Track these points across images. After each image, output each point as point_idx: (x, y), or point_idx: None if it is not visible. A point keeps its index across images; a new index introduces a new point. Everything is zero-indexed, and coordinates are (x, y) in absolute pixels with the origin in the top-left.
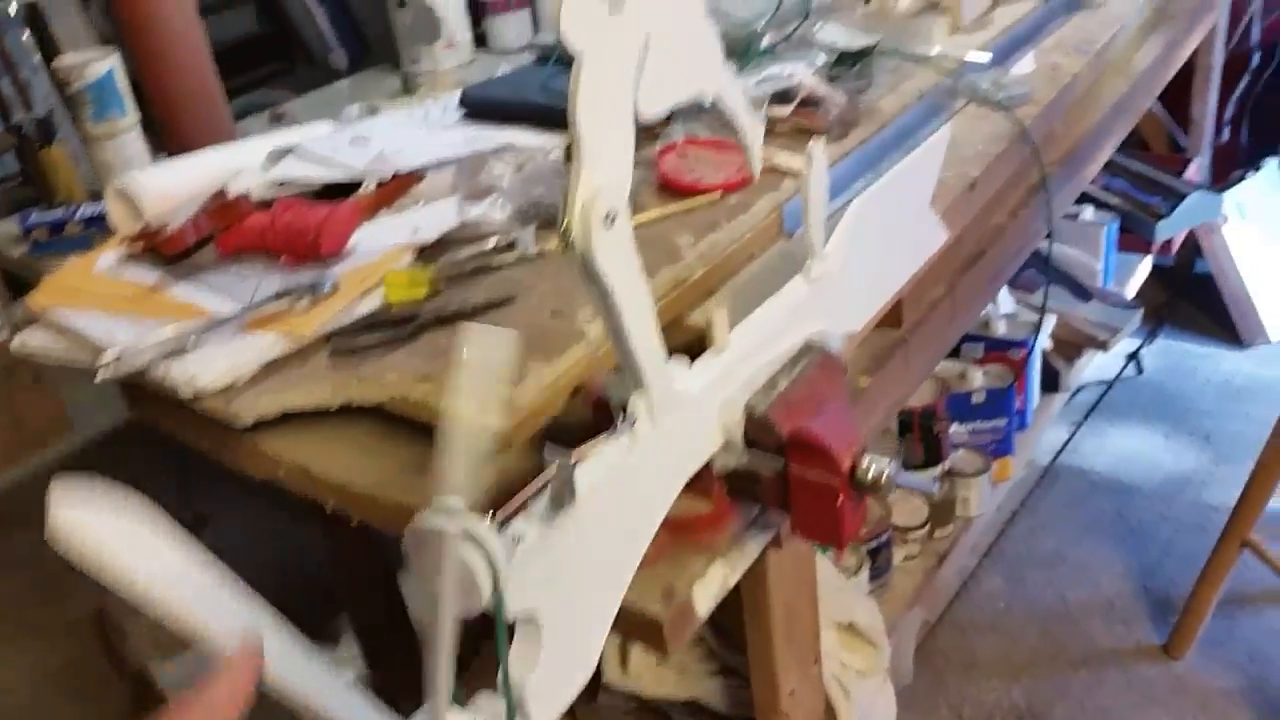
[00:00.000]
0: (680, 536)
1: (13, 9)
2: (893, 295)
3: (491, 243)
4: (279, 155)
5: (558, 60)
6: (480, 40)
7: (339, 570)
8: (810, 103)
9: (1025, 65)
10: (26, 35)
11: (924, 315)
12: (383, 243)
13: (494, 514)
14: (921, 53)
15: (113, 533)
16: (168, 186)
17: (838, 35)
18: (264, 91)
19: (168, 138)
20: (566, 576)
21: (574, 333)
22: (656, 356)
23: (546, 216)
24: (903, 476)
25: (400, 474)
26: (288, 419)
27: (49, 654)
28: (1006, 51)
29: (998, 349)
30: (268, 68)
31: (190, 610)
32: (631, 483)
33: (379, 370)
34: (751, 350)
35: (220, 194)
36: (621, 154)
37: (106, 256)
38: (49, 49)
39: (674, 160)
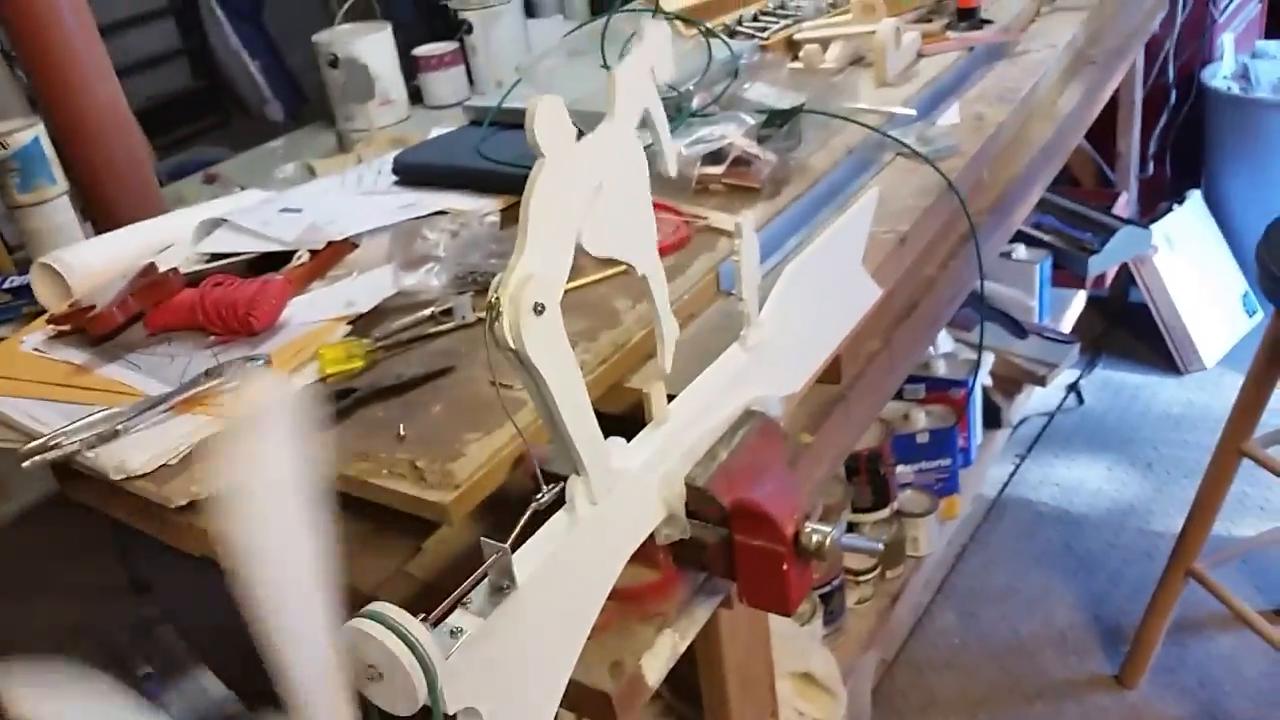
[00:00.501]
0: (627, 606)
1: None
2: (829, 354)
3: (429, 311)
4: (210, 226)
5: (492, 123)
6: (415, 96)
7: None
8: (742, 162)
9: (950, 116)
10: None
11: (862, 369)
12: (316, 315)
13: (426, 616)
14: (848, 108)
15: None
16: (95, 262)
17: (766, 94)
18: (197, 149)
19: (93, 207)
20: (509, 664)
21: (514, 401)
22: (591, 439)
23: (484, 283)
24: (846, 539)
25: (350, 545)
26: None
27: None
28: (931, 104)
29: (939, 389)
30: (204, 121)
31: None
32: (573, 564)
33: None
34: (690, 421)
35: (150, 268)
36: (560, 254)
37: (34, 336)
38: None
39: None
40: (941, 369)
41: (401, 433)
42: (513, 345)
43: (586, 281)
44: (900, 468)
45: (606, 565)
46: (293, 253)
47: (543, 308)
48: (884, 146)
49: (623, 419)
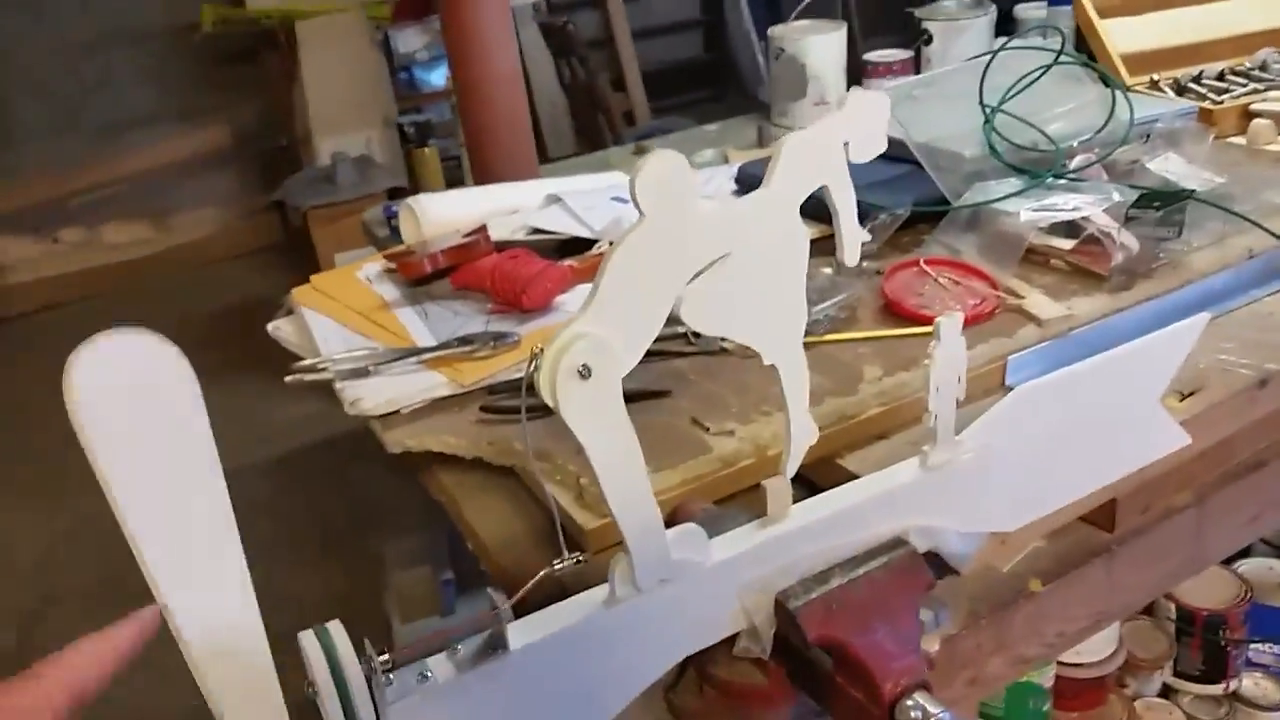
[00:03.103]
0: (729, 702)
1: None
2: (1075, 499)
3: (681, 328)
4: (551, 201)
5: None
6: None
7: None
8: (1094, 241)
9: None
10: None
11: (1149, 524)
12: None
13: (386, 650)
14: (1269, 204)
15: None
16: (447, 212)
17: (1173, 168)
18: (669, 118)
19: (475, 162)
20: None
21: (700, 445)
22: (643, 520)
23: None
24: None
25: (523, 536)
26: None
27: (334, 585)
28: None
29: None
30: (704, 91)
31: None
32: (596, 649)
33: (512, 436)
34: (814, 530)
35: (481, 229)
36: (638, 322)
37: (372, 266)
38: None
39: (904, 279)
40: None
41: None
42: (550, 403)
43: (845, 338)
44: (1257, 645)
45: (646, 660)
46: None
47: (588, 372)
48: None
49: None
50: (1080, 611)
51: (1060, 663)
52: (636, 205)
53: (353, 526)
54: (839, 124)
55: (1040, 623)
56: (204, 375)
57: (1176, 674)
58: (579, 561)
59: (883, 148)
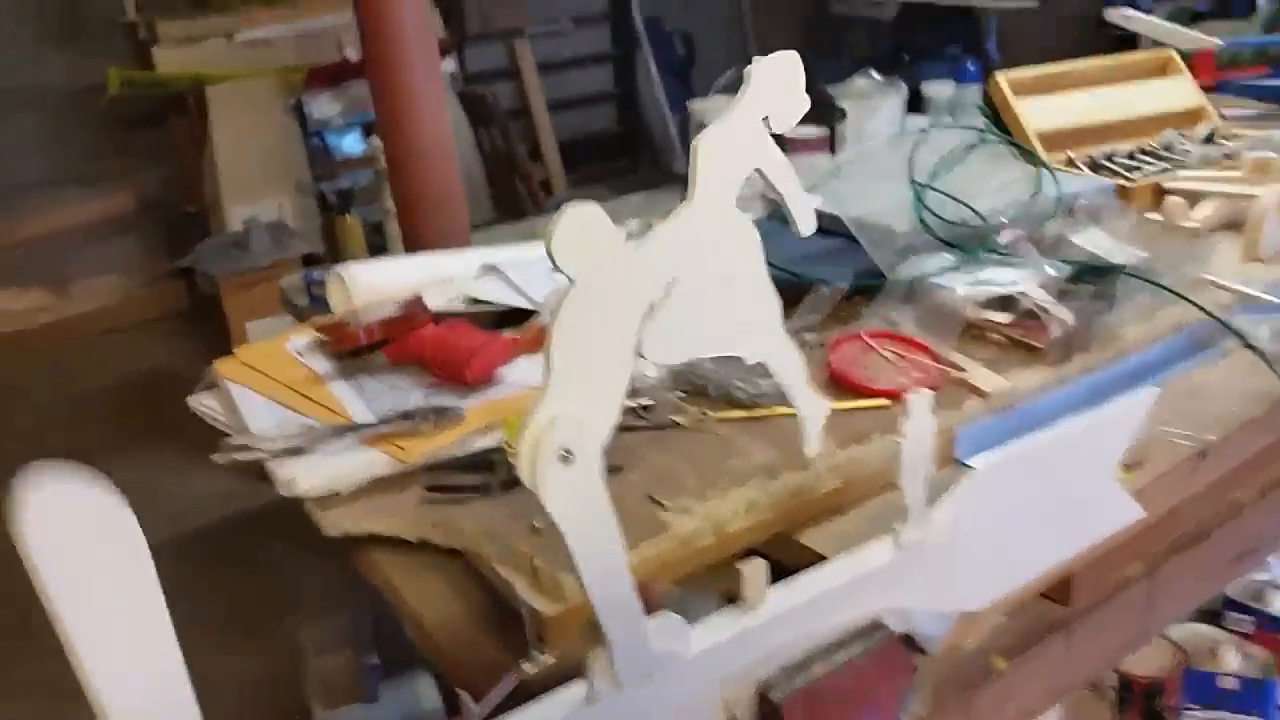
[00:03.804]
0: None
1: None
2: (1038, 575)
3: (631, 402)
4: (487, 271)
5: (782, 218)
6: None
7: None
8: (1032, 316)
9: None
10: None
11: (1105, 597)
12: (529, 379)
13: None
14: (1191, 278)
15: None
16: (379, 281)
17: (1098, 243)
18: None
19: (406, 231)
20: None
21: (659, 524)
22: (623, 610)
23: (699, 386)
24: None
25: (470, 622)
26: None
27: (249, 670)
28: None
29: (1271, 628)
30: (618, 162)
31: None
32: None
33: (459, 516)
34: (791, 616)
35: (416, 299)
36: (602, 392)
37: (301, 338)
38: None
39: (848, 352)
40: (1279, 605)
41: (537, 525)
42: (534, 490)
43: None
44: (1192, 712)
45: None
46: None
47: (569, 456)
48: (1228, 334)
49: (791, 572)
50: (1040, 686)
51: None
52: (559, 269)
53: (268, 608)
54: (752, 102)
55: (1003, 701)
56: (107, 449)
57: None
58: (546, 662)
59: (806, 106)
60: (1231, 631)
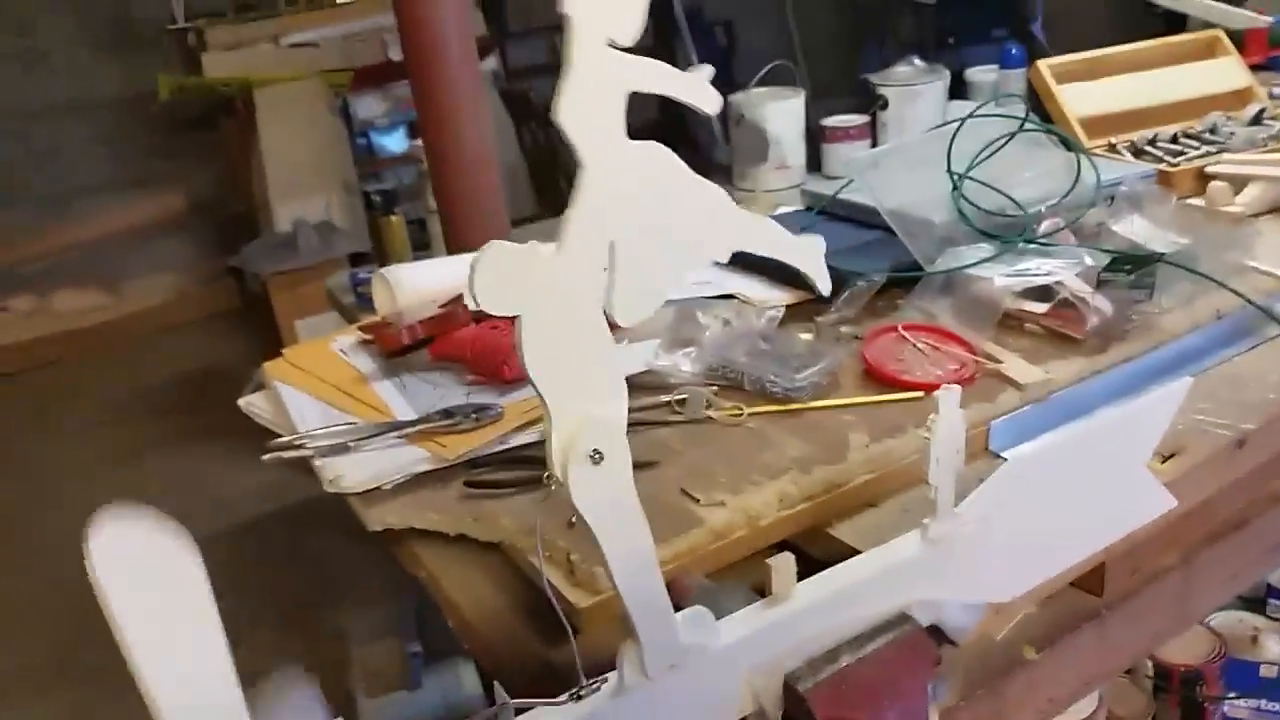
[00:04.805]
0: None
1: None
2: (1070, 566)
3: (666, 398)
4: None
5: (822, 212)
6: (815, 164)
7: None
8: (1069, 305)
9: None
10: None
11: (1138, 587)
12: None
13: None
14: (1231, 264)
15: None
16: (422, 282)
17: (1139, 230)
18: None
19: (447, 232)
20: None
21: (693, 518)
22: (653, 604)
23: (734, 380)
24: None
25: (508, 613)
26: None
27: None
28: None
29: None
30: None
31: None
32: None
33: (498, 511)
34: (820, 609)
35: (459, 299)
36: (603, 388)
37: (346, 338)
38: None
39: (884, 345)
40: None
41: (573, 520)
42: (568, 490)
43: (829, 405)
44: (1233, 701)
45: None
46: None
47: (600, 456)
48: (1270, 320)
49: (823, 564)
50: (1072, 676)
51: None
52: (496, 311)
53: (314, 598)
54: (582, 32)
55: (1034, 690)
56: (160, 444)
57: None
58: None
59: (639, 4)
60: (1273, 619)
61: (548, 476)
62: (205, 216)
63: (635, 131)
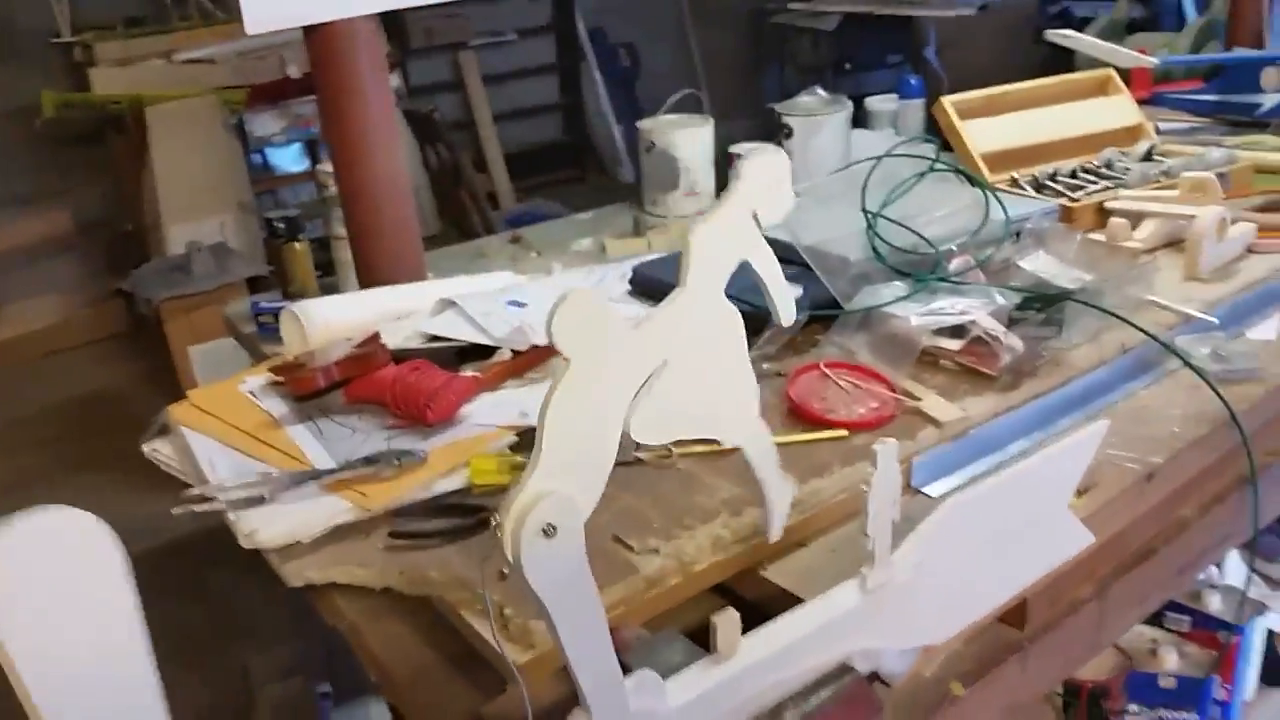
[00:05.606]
0: None
1: None
2: (996, 606)
3: None
4: (444, 306)
5: None
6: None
7: None
8: (982, 343)
9: (1265, 331)
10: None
11: (1058, 618)
12: (491, 419)
13: None
14: (1135, 299)
15: None
16: (334, 319)
17: (1045, 267)
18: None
19: (359, 263)
20: None
21: (627, 566)
22: (603, 673)
23: None
24: None
25: (436, 668)
26: None
27: (195, 699)
28: (1243, 312)
29: (1205, 626)
30: (564, 172)
31: None
32: None
33: (426, 563)
34: (764, 664)
35: (374, 337)
36: (590, 472)
37: (256, 379)
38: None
39: (807, 383)
40: (1216, 604)
41: (506, 571)
42: (515, 564)
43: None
44: (1134, 711)
45: None
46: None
47: (553, 530)
48: (1170, 354)
49: (755, 606)
50: (997, 706)
51: None
52: (557, 348)
53: (213, 635)
54: (742, 197)
55: None
56: (45, 475)
57: None
58: None
59: (792, 202)
60: (1170, 631)
61: (496, 526)
62: (93, 236)
63: (540, 148)
